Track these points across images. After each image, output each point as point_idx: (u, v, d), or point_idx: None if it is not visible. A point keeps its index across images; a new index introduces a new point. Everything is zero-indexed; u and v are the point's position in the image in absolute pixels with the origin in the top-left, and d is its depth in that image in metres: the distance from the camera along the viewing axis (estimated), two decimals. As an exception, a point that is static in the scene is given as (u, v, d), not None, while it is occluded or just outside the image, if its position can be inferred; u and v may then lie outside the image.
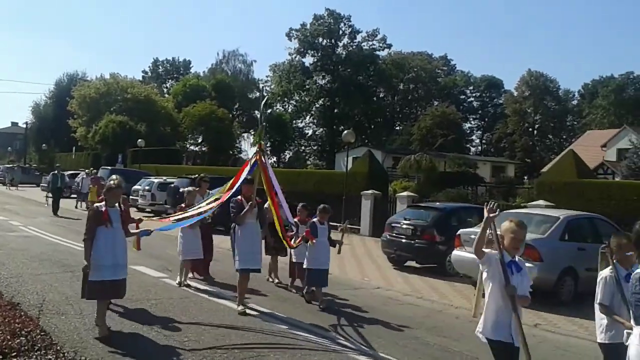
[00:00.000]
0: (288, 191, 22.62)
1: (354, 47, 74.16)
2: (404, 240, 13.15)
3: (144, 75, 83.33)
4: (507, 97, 79.58)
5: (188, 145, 60.49)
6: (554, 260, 9.87)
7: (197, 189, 10.84)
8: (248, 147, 75.50)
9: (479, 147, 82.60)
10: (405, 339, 7.43)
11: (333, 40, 73.85)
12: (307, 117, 77.55)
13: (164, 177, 24.92)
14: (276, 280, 10.77)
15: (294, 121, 75.26)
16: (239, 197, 8.39)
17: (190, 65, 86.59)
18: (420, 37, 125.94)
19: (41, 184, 35.50)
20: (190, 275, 10.33)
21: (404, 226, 13.25)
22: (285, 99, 76.04)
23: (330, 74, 73.59)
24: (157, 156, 39.70)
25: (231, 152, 59.57)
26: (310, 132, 78.91)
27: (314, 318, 8.14)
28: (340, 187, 21.88)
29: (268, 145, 68.43)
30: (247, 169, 8.39)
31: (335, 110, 73.91)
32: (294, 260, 10.11)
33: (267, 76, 79.35)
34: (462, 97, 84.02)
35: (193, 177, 22.92)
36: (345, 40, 74.47)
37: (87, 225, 6.60)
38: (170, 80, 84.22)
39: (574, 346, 7.64)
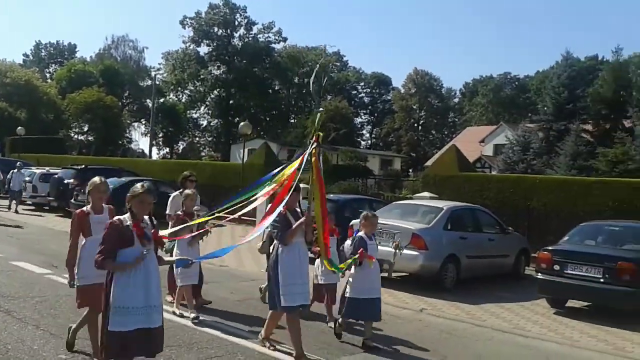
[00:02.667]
0: (182, 183, 22.51)
1: (249, 38, 73.63)
2: (299, 232, 13.37)
3: (24, 58, 77.69)
4: (394, 94, 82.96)
5: (73, 134, 57.19)
6: (437, 248, 10.54)
7: (189, 191, 8.09)
8: (138, 137, 73.07)
9: (369, 141, 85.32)
10: (303, 329, 7.61)
11: (229, 31, 72.83)
12: (202, 108, 76.04)
13: (47, 168, 23.45)
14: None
15: (188, 111, 73.53)
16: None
17: (76, 50, 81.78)
18: (315, 32, 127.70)
19: None
20: (169, 298, 8.25)
21: (299, 218, 13.49)
22: (179, 89, 74.04)
23: (225, 64, 72.57)
24: (39, 145, 37.20)
25: (120, 142, 57.10)
26: (205, 123, 77.55)
27: (212, 311, 8.12)
28: (236, 179, 21.79)
29: (160, 135, 66.57)
30: (299, 167, 6.29)
31: (231, 102, 73.06)
32: (320, 281, 7.89)
33: (159, 64, 76.86)
34: (354, 92, 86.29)
35: (79, 167, 21.86)
36: (241, 31, 73.78)
37: (100, 245, 4.57)
38: (53, 65, 78.93)
39: (458, 329, 8.22)
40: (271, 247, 6.47)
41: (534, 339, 8.03)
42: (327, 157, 37.57)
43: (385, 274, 7.73)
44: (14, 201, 20.52)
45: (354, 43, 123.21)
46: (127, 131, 62.51)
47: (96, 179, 5.79)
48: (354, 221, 11.75)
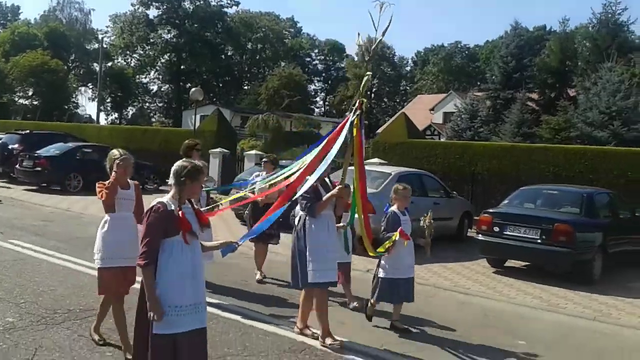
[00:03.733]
0: (133, 149, 22.12)
1: (201, 2, 71.72)
2: (252, 197, 13.48)
3: (-37, 20, 73.63)
4: (348, 62, 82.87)
5: (17, 99, 54.95)
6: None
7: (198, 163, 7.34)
8: (85, 102, 70.71)
9: (323, 109, 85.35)
10: (251, 288, 7.79)
11: (179, -7, 70.77)
12: (152, 73, 74.07)
13: (-11, 133, 22.59)
14: (259, 276, 8.46)
15: (137, 76, 71.50)
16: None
17: (20, 11, 78.13)
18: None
19: None
20: None
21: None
22: (128, 53, 71.77)
23: (176, 28, 70.60)
24: (-21, 110, 35.73)
25: (66, 107, 55.24)
26: (155, 88, 75.69)
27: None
28: (187, 145, 21.61)
29: (108, 100, 64.74)
30: (342, 136, 5.61)
31: (182, 67, 71.43)
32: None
33: (107, 27, 74.23)
34: (308, 59, 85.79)
35: (23, 132, 21.19)
36: (192, -7, 71.80)
37: (144, 238, 3.76)
38: (-5, 27, 75.23)
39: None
40: (296, 220, 5.90)
41: (474, 296, 8.47)
42: (281, 124, 37.50)
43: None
44: None
45: (308, 9, 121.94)
46: (74, 96, 60.43)
47: (115, 151, 5.22)
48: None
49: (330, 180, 6.05)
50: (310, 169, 5.55)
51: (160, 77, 74.32)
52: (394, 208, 6.46)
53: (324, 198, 5.72)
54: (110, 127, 36.32)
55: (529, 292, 8.80)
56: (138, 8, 70.10)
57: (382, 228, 6.47)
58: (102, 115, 63.10)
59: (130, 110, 72.41)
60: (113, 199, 5.02)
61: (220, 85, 75.73)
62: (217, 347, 5.38)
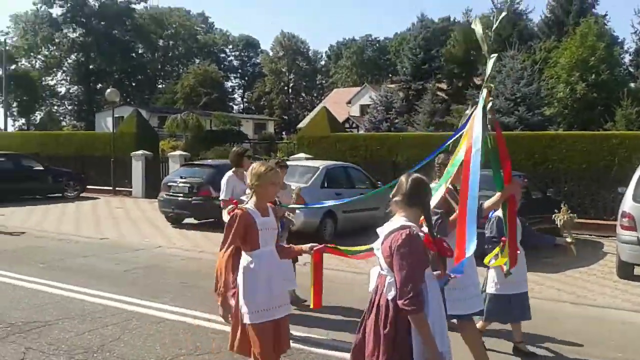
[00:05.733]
0: (47, 155, 21.32)
1: (107, -2, 69.25)
2: (180, 199, 13.52)
3: None
4: (264, 57, 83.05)
5: None
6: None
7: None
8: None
9: (241, 105, 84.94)
10: (191, 290, 7.95)
11: (83, -10, 67.92)
12: (59, 74, 70.88)
13: None
14: None
15: (44, 78, 68.09)
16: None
17: None
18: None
19: None
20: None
21: (181, 185, 13.61)
22: (32, 54, 68.14)
23: (82, 27, 67.77)
24: None
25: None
26: (63, 90, 72.38)
27: (98, 282, 8.19)
28: (106, 149, 21.12)
29: (14, 105, 61.32)
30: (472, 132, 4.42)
31: (91, 67, 68.74)
32: (496, 291, 5.63)
33: (7, 27, 70.06)
34: (222, 55, 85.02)
35: None
36: (97, -9, 69.12)
37: (407, 278, 2.99)
38: None
39: (338, 278, 8.87)
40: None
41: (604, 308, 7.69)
42: (201, 123, 37.13)
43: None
44: None
45: (219, 4, 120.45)
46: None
47: (260, 165, 4.00)
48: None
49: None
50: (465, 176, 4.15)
51: (69, 78, 71.17)
52: (498, 213, 5.16)
53: (491, 200, 4.71)
54: (21, 134, 34.58)
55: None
56: (41, 7, 66.76)
57: (489, 234, 5.48)
58: (9, 121, 59.81)
59: (38, 115, 68.85)
60: (257, 230, 3.91)
61: (134, 84, 73.57)
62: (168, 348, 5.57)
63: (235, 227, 3.83)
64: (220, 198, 6.94)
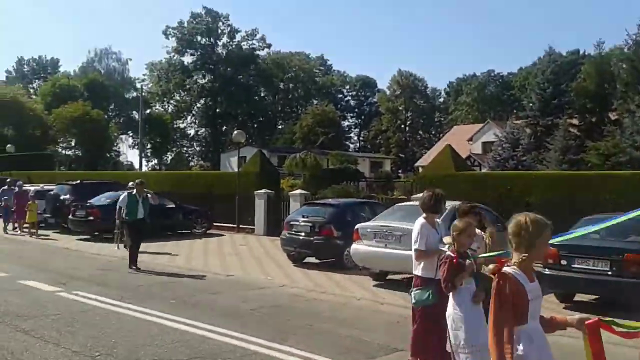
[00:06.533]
0: (178, 193, 22.44)
1: (233, 46, 73.78)
2: (302, 237, 13.44)
3: (7, 75, 77.13)
4: (380, 96, 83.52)
5: (60, 149, 56.77)
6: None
7: (460, 224, 5.21)
8: (126, 150, 72.70)
9: (357, 144, 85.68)
10: (318, 333, 7.68)
11: (212, 39, 72.95)
12: (189, 117, 76.09)
13: (41, 185, 23.27)
14: None
15: (175, 122, 73.37)
16: None
17: (59, 64, 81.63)
18: (298, 38, 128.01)
19: None
20: None
21: (302, 223, 13.56)
22: (165, 99, 73.87)
23: (210, 73, 72.63)
24: (27, 162, 36.93)
25: (109, 156, 56.79)
26: (192, 132, 77.45)
27: (226, 320, 8.15)
28: (230, 187, 21.79)
29: (148, 147, 66.27)
30: None
31: (218, 110, 73.11)
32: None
33: (144, 75, 76.75)
34: (340, 96, 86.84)
35: (74, 182, 21.73)
36: (225, 39, 74.02)
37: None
38: (37, 80, 78.61)
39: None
40: None
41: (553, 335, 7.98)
42: (319, 162, 37.67)
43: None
44: (13, 223, 20.17)
45: (338, 46, 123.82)
46: (115, 144, 62.11)
47: (533, 217, 3.19)
48: (359, 225, 11.87)
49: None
50: None
51: (197, 121, 76.08)
52: None
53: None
54: (156, 173, 37.07)
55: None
56: (174, 56, 72.46)
57: None
58: (143, 162, 64.72)
59: (169, 155, 73.97)
60: (527, 301, 3.09)
61: (255, 126, 77.05)
62: None
63: (505, 298, 2.93)
64: (414, 248, 6.05)
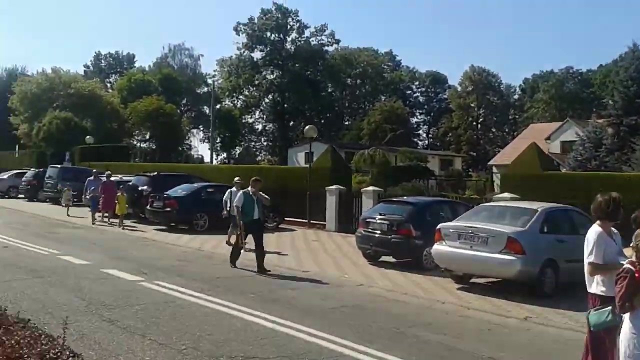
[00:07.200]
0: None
1: (302, 42, 74.00)
2: (378, 235, 13.05)
3: (85, 69, 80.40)
4: (451, 92, 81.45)
5: (135, 142, 58.77)
6: (535, 252, 9.95)
7: None
8: (197, 144, 74.49)
9: (426, 141, 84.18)
10: (405, 338, 7.30)
11: (281, 35, 73.43)
12: (257, 113, 76.98)
13: (120, 176, 23.95)
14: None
15: (244, 116, 74.42)
16: None
17: (135, 59, 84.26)
18: (366, 33, 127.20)
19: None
20: None
21: (379, 221, 13.15)
22: (234, 94, 75.08)
23: (279, 68, 73.17)
24: (105, 153, 38.33)
25: (181, 149, 58.27)
26: (260, 127, 78.39)
27: (308, 319, 7.90)
28: (301, 182, 21.63)
29: (218, 141, 67.64)
30: None
31: (285, 105, 73.62)
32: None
33: (214, 71, 78.21)
34: (408, 92, 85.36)
35: (151, 174, 22.24)
36: (294, 35, 74.29)
37: None
38: (113, 75, 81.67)
39: (572, 339, 7.54)
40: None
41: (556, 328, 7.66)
42: (387, 159, 37.09)
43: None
44: (100, 214, 19.82)
45: (407, 42, 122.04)
46: (187, 138, 63.64)
47: None
48: (441, 224, 11.34)
49: None
50: None
51: (265, 116, 76.88)
52: None
53: None
54: (227, 167, 37.58)
55: None
56: (244, 52, 73.46)
57: None
58: (213, 155, 66.09)
59: (238, 150, 75.16)
60: None
61: (323, 121, 77.07)
62: None
63: None
64: (589, 261, 5.24)
